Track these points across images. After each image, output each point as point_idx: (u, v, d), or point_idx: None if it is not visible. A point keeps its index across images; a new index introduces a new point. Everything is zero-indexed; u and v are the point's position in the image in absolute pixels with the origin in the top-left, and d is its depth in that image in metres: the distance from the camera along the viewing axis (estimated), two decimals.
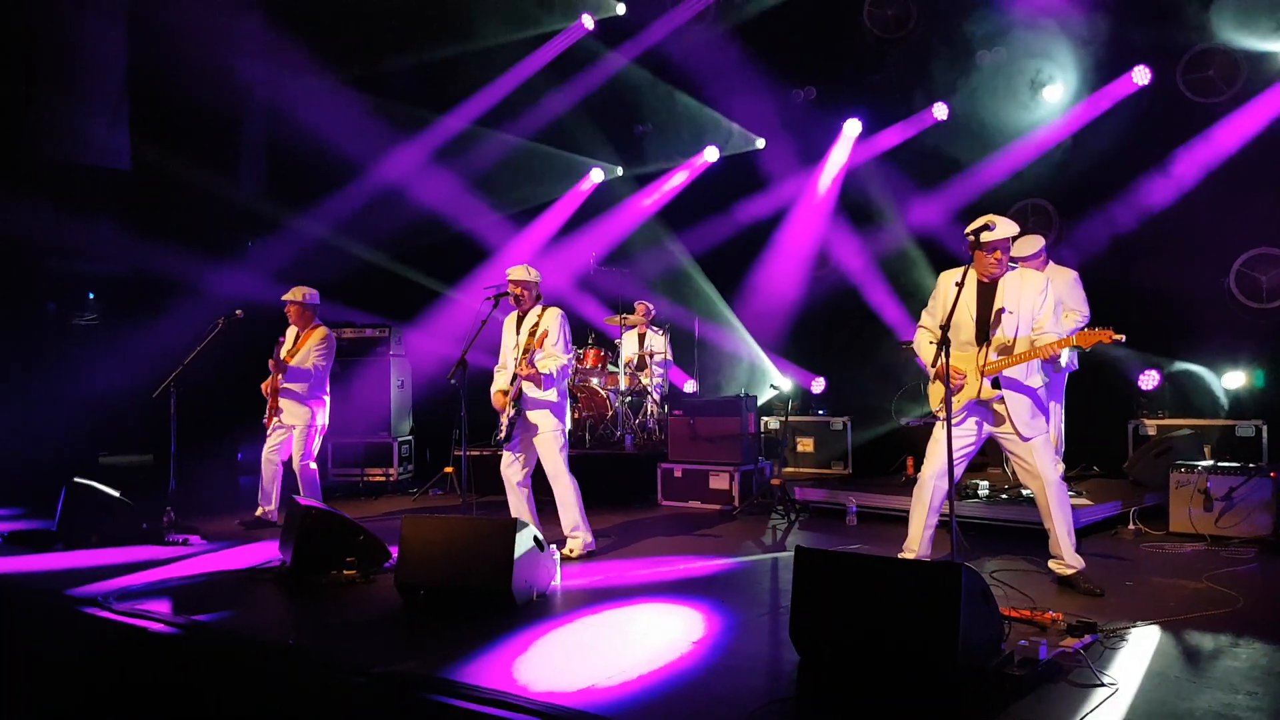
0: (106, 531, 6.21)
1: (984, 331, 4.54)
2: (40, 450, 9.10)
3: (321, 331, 7.00)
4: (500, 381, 5.74)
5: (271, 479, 6.91)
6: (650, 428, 9.13)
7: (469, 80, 10.42)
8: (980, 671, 3.13)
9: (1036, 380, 4.55)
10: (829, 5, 9.27)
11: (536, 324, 5.62)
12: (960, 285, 4.34)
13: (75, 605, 4.58)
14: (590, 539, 5.69)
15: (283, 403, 6.82)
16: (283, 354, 6.88)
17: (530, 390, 5.55)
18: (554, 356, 5.54)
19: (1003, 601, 3.85)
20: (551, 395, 5.59)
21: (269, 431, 6.90)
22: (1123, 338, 4.23)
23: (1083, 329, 4.37)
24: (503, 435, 5.62)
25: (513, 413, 5.55)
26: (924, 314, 4.84)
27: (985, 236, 4.43)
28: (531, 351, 5.51)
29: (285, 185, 10.79)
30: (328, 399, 7.03)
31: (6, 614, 4.90)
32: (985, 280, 4.59)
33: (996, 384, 4.52)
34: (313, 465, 6.88)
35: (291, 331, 7.05)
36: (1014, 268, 4.67)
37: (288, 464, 6.93)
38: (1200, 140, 7.46)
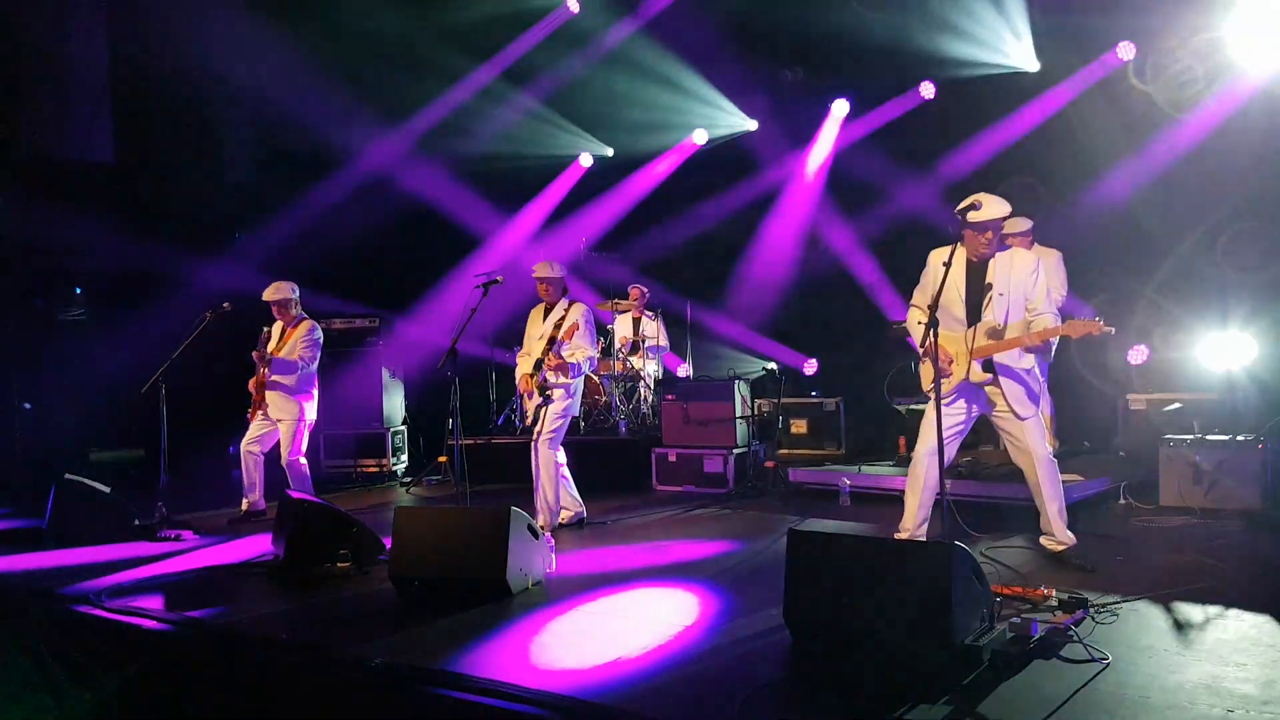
0: (98, 528, 6.17)
1: (975, 311, 4.53)
2: (30, 447, 9.06)
3: (307, 324, 6.94)
4: (524, 366, 6.15)
5: (253, 469, 6.87)
6: (644, 413, 9.13)
7: (455, 65, 10.33)
8: (973, 648, 3.14)
9: (1028, 361, 4.55)
10: None
11: (563, 317, 6.05)
12: (948, 265, 4.30)
13: (67, 603, 4.57)
14: (582, 510, 6.26)
15: (270, 396, 6.76)
16: (269, 348, 6.82)
17: (551, 377, 5.98)
18: (581, 349, 6.00)
19: (994, 578, 3.87)
20: (568, 385, 6.01)
21: (251, 423, 6.85)
22: (1111, 330, 4.28)
23: (1073, 319, 4.39)
24: (530, 421, 6.03)
25: (539, 400, 5.92)
26: (916, 292, 4.82)
27: (974, 216, 4.41)
28: (558, 343, 5.93)
29: (271, 176, 10.70)
30: (316, 394, 6.97)
31: None
32: (975, 260, 4.57)
33: (988, 366, 4.52)
34: (302, 460, 6.84)
35: (277, 326, 6.99)
36: (1006, 247, 4.64)
37: (270, 455, 6.88)
38: (1187, 114, 7.44)
